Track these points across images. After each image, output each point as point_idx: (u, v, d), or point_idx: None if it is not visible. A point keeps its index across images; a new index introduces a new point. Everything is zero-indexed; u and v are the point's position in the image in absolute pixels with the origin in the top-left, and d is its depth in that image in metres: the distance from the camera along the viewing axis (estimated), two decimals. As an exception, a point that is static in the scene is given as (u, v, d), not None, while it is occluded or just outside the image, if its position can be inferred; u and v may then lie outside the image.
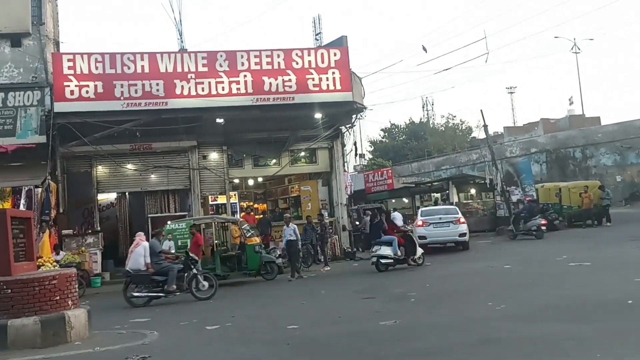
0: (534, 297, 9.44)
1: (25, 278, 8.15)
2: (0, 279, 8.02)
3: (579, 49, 48.03)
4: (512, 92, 67.68)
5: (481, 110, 33.85)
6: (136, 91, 17.95)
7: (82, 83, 17.61)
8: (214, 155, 20.52)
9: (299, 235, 16.67)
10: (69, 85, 17.54)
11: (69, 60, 17.84)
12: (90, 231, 18.67)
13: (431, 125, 62.13)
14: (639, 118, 34.69)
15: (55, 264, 14.55)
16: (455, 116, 60.40)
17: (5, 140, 17.18)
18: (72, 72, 17.61)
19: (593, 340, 6.28)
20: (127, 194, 21.37)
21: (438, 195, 31.15)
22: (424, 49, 22.23)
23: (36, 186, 17.44)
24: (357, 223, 25.40)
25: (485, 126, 27.31)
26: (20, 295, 7.98)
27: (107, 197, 21.53)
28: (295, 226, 16.86)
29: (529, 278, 11.85)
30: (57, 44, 20.84)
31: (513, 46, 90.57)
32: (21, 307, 7.95)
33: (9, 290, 7.95)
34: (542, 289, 10.37)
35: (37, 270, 9.34)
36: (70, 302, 8.45)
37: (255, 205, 24.26)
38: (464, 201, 29.69)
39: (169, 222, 16.84)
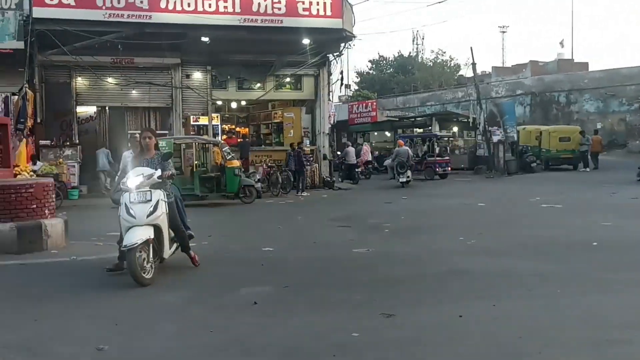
0: (504, 235, 9.71)
1: (1, 184, 8.12)
2: (-24, 184, 7.98)
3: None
4: (504, 32, 66.93)
5: (471, 48, 33.63)
6: (119, 1, 17.30)
7: (62, -12, 16.89)
8: (197, 75, 20.14)
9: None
10: (48, -10, 16.81)
11: (48, -38, 17.00)
12: (68, 143, 18.46)
13: (420, 60, 61.34)
14: (625, 66, 34.67)
15: (32, 173, 14.44)
16: (444, 52, 59.76)
17: (-19, 45, 16.60)
18: (52, -25, 16.84)
19: (555, 277, 6.54)
20: (107, 108, 20.99)
21: (421, 130, 31.24)
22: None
23: (13, 93, 17.04)
24: (339, 153, 25.54)
25: (473, 64, 27.08)
26: (-5, 201, 7.98)
27: (86, 110, 21.14)
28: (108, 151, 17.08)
29: (501, 216, 12.15)
30: (36, -56, 19.76)
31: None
32: (-4, 213, 7.97)
33: (-16, 196, 7.94)
34: (513, 227, 10.67)
35: (14, 178, 9.29)
36: (47, 212, 8.48)
37: (238, 129, 24.11)
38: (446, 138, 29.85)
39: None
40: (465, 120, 29.01)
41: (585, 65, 43.28)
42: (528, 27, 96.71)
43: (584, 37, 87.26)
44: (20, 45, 16.85)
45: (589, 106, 35.18)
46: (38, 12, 16.83)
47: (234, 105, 23.54)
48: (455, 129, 31.20)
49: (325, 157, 21.37)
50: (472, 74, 27.76)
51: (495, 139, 24.70)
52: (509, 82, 40.85)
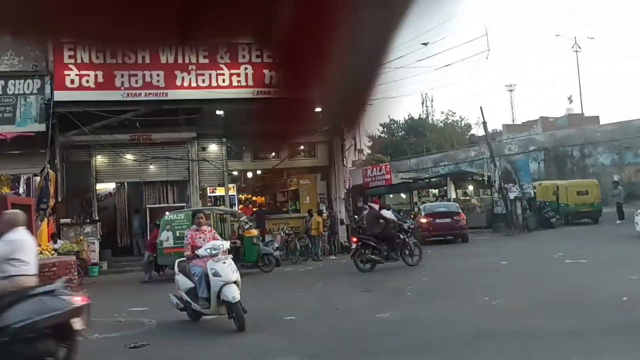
0: (530, 293, 9.51)
1: (25, 265, 8.17)
2: (0, 265, 8.05)
3: (580, 48, 48.11)
4: (511, 90, 67.54)
5: (480, 108, 34.09)
6: (136, 81, 17.93)
7: (82, 72, 17.57)
8: (213, 147, 20.53)
9: None
10: (69, 75, 17.51)
11: (69, 49, 17.71)
12: (88, 220, 18.69)
13: (430, 122, 62.09)
14: (638, 118, 34.80)
15: (53, 252, 14.59)
16: (454, 113, 60.43)
17: (4, 128, 17.14)
18: (72, 61, 17.56)
19: (588, 334, 6.36)
20: (125, 184, 21.38)
21: (436, 191, 31.22)
22: (424, 44, 22.24)
23: (35, 174, 17.45)
24: (356, 217, 25.50)
25: (484, 123, 27.38)
26: (20, 281, 8.00)
27: (105, 186, 21.54)
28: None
29: (526, 274, 11.93)
30: (57, 32, 20.78)
31: (514, 43, 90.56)
32: (21, 293, 7.98)
33: (9, 277, 7.98)
34: (538, 284, 10.45)
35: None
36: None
37: (254, 198, 24.31)
38: (462, 197, 29.80)
39: (167, 213, 16.88)
40: (480, 178, 28.99)
41: (596, 119, 43.49)
42: (535, 84, 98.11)
43: (592, 91, 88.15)
44: (42, 127, 17.41)
45: (603, 159, 35.10)
46: (59, 96, 17.47)
47: (249, 175, 23.83)
48: (470, 187, 31.16)
49: (342, 222, 21.37)
50: (484, 133, 28.00)
51: (511, 195, 24.58)
52: (520, 138, 41.06)
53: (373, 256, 13.92)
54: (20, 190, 17.32)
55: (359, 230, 24.03)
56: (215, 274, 7.89)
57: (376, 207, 15.85)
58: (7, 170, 17.43)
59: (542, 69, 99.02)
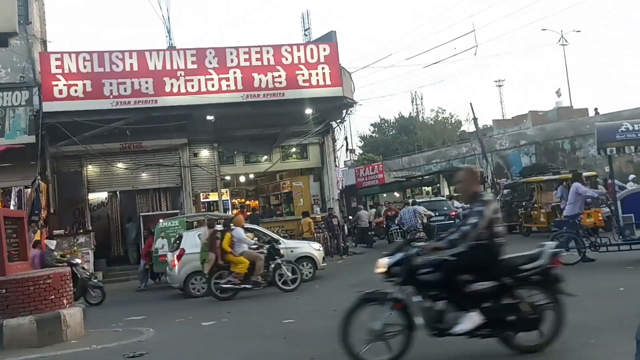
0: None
1: (20, 278, 8.14)
2: (-5, 279, 7.99)
3: (566, 41, 48.25)
4: (500, 85, 67.78)
5: (470, 104, 34.08)
6: (125, 89, 17.85)
7: (70, 82, 17.49)
8: (204, 153, 20.49)
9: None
10: (57, 85, 17.41)
11: (56, 59, 17.70)
12: (81, 231, 18.59)
13: (421, 120, 62.22)
14: (626, 109, 34.96)
15: (47, 264, 14.47)
16: (444, 110, 60.54)
17: (-7, 141, 17.03)
18: (60, 71, 17.48)
19: (586, 327, 6.35)
20: (118, 193, 21.30)
21: (429, 188, 31.30)
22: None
23: (26, 187, 17.30)
24: (350, 217, 25.52)
25: (474, 119, 27.50)
26: (15, 295, 7.97)
27: (98, 196, 21.44)
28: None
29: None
30: (44, 43, 20.68)
31: (501, 39, 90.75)
32: (16, 306, 7.95)
33: (4, 290, 7.95)
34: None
35: (30, 270, 9.31)
36: (65, 301, 8.45)
37: (247, 202, 24.26)
38: (455, 194, 29.84)
39: (161, 221, 16.81)
40: (473, 174, 29.05)
41: (585, 111, 43.67)
42: (524, 79, 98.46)
43: (581, 84, 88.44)
44: (31, 139, 17.28)
45: (594, 151, 35.17)
46: (48, 106, 17.36)
47: (242, 179, 23.81)
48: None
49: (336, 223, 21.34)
50: (474, 129, 28.10)
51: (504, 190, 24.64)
52: (511, 133, 41.12)
53: None
54: (12, 203, 17.16)
55: (354, 230, 24.08)
56: None
57: None
58: (-3, 183, 17.28)
59: (530, 64, 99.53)
